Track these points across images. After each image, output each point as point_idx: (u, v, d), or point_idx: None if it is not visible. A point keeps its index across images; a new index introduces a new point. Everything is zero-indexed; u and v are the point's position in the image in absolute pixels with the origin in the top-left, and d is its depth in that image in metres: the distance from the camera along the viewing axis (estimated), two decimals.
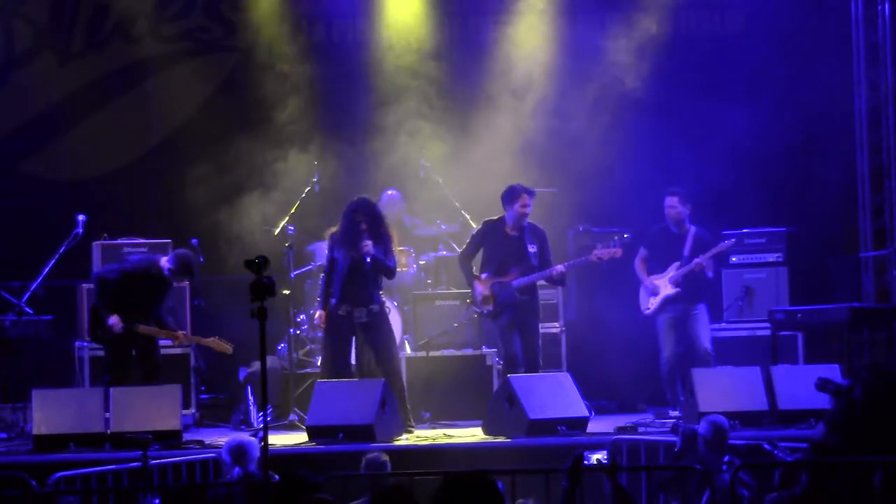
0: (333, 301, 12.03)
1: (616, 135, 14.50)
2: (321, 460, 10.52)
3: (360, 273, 11.95)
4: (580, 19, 15.12)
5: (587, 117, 14.55)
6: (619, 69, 14.71)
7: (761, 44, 14.81)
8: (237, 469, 9.07)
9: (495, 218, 12.48)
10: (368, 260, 11.87)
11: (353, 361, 12.20)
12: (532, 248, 12.35)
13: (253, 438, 9.37)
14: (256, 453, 9.12)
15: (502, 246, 12.37)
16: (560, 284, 12.89)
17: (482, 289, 12.36)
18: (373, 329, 11.98)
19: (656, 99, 14.61)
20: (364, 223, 11.95)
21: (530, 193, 12.35)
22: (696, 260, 12.69)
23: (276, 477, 8.00)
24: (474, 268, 12.53)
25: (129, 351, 11.91)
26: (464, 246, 12.72)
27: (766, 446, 9.04)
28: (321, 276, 12.47)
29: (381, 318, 12.06)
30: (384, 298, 12.30)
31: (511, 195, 12.35)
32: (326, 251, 12.34)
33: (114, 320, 11.75)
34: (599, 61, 14.78)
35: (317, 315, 12.29)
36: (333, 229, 12.20)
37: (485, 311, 12.42)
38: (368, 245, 11.86)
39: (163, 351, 13.16)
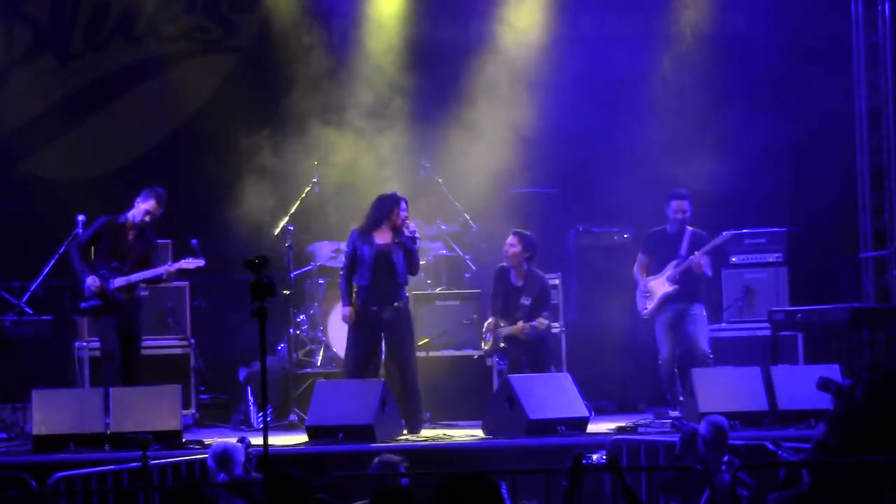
0: (359, 301, 12.02)
1: (616, 135, 14.50)
2: (321, 460, 10.52)
3: (386, 268, 11.97)
4: (583, 18, 15.11)
5: (588, 117, 14.54)
6: (620, 70, 14.71)
7: (762, 44, 14.80)
8: (222, 475, 9.06)
9: (502, 266, 12.76)
10: (417, 239, 12.02)
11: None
12: (526, 302, 12.53)
13: (238, 444, 9.33)
14: (241, 458, 9.10)
15: (506, 293, 12.69)
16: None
17: (488, 329, 12.74)
18: (396, 326, 11.99)
19: (657, 99, 14.60)
20: (406, 211, 12.06)
21: (518, 237, 12.61)
22: (692, 257, 12.66)
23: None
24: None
25: (112, 322, 11.93)
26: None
27: (770, 446, 9.05)
28: (341, 273, 12.39)
29: (406, 315, 12.07)
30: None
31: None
32: (346, 246, 12.29)
33: (90, 281, 11.80)
34: (602, 61, 14.78)
35: (345, 313, 12.23)
36: (357, 226, 12.20)
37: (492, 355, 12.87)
38: (413, 226, 11.98)
39: (163, 351, 13.22)
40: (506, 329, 12.53)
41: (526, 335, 12.40)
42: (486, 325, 12.74)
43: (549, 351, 12.74)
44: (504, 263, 12.70)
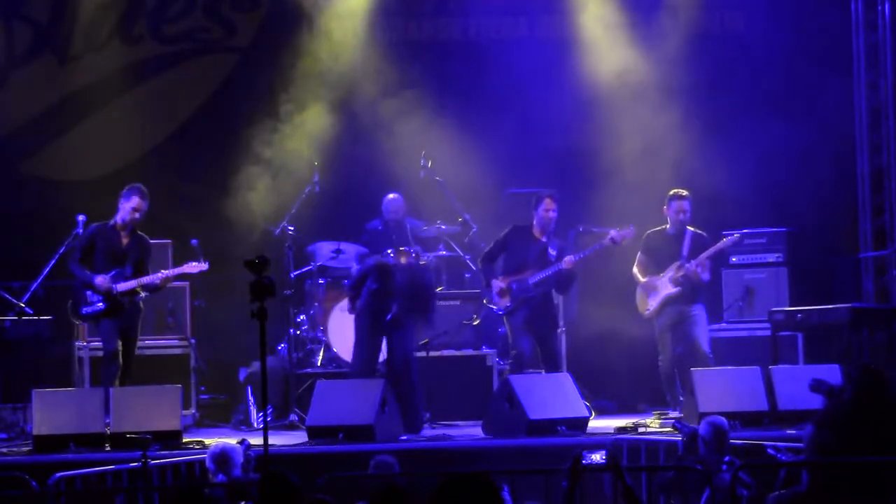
0: (362, 301, 12.06)
1: (616, 134, 14.50)
2: (321, 460, 10.52)
3: (392, 273, 12.04)
4: (585, 19, 15.08)
5: (589, 117, 14.55)
6: (620, 69, 14.72)
7: (762, 44, 14.81)
8: (220, 476, 9.06)
9: (523, 224, 12.66)
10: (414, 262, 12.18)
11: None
12: (553, 252, 12.45)
13: (237, 445, 9.34)
14: (240, 459, 9.11)
15: (526, 248, 12.55)
16: (568, 285, 12.87)
17: (499, 283, 12.45)
18: (398, 325, 12.02)
19: (657, 99, 14.60)
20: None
21: (553, 197, 12.56)
22: (689, 265, 12.64)
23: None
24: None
25: (115, 325, 11.91)
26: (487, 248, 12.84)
27: (769, 451, 9.05)
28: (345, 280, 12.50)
29: (410, 316, 12.10)
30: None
31: (535, 201, 12.65)
32: (361, 266, 12.40)
33: (99, 279, 11.81)
34: (601, 61, 14.79)
35: (347, 306, 12.27)
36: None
37: (501, 308, 12.47)
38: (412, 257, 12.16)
39: (163, 351, 13.23)
40: (538, 276, 12.42)
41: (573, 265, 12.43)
42: (495, 286, 12.51)
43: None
44: (525, 224, 12.65)
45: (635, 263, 12.96)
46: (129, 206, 11.97)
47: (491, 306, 12.68)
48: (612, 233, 12.47)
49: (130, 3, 15.16)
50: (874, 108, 14.55)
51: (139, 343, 12.24)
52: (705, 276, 12.75)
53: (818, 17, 14.70)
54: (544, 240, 12.59)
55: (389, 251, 12.33)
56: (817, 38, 14.70)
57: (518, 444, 11.08)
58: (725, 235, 13.22)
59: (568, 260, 12.42)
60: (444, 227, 14.04)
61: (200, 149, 14.77)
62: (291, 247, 13.39)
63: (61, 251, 12.31)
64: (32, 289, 12.58)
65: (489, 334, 13.48)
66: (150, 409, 11.24)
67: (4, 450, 11.39)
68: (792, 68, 14.78)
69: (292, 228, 13.51)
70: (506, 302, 12.47)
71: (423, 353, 12.80)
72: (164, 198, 13.64)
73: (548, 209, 12.55)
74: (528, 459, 10.51)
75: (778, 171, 14.53)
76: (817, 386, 8.61)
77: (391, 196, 13.30)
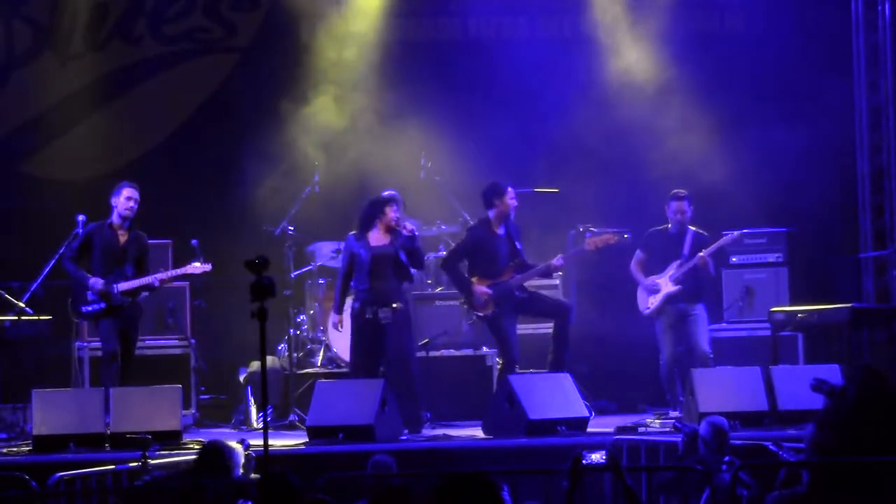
0: (356, 304, 12.02)
1: (616, 134, 14.50)
2: (321, 460, 10.52)
3: (384, 270, 11.97)
4: (584, 19, 15.10)
5: (588, 116, 14.54)
6: (621, 69, 14.72)
7: (762, 44, 14.82)
8: None
9: (479, 220, 12.53)
10: (417, 237, 12.03)
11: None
12: (519, 245, 12.42)
13: (238, 445, 9.33)
14: (240, 459, 9.10)
15: (494, 247, 12.41)
16: (549, 275, 12.93)
17: (485, 290, 12.36)
18: (395, 327, 11.97)
19: (657, 98, 14.60)
20: (397, 212, 12.07)
21: (513, 187, 12.43)
22: (700, 255, 12.65)
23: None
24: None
25: (114, 325, 11.90)
26: (449, 252, 12.77)
27: (771, 447, 9.06)
28: (338, 277, 12.38)
29: (404, 315, 12.06)
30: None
31: (496, 191, 12.40)
32: (343, 252, 12.27)
33: (93, 281, 11.81)
34: (601, 60, 14.79)
35: (334, 320, 12.17)
36: (353, 231, 12.19)
37: (487, 315, 12.42)
38: (409, 226, 11.98)
39: (163, 351, 13.23)
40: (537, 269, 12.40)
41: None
42: (476, 288, 12.35)
43: None
44: (482, 217, 12.52)
45: (633, 260, 12.96)
46: (121, 199, 11.94)
47: (476, 313, 12.56)
48: (591, 238, 12.42)
49: (130, 3, 15.17)
50: (874, 108, 14.56)
51: (139, 343, 12.25)
52: (711, 269, 12.78)
53: (818, 17, 14.71)
54: (502, 232, 12.46)
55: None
56: (817, 38, 14.70)
57: (518, 444, 11.07)
58: (726, 235, 13.22)
59: (556, 265, 12.38)
60: (444, 227, 14.04)
61: (200, 149, 14.76)
62: (291, 247, 13.40)
63: (61, 251, 12.30)
64: (32, 289, 12.56)
65: (488, 334, 13.46)
66: (150, 409, 11.24)
67: (4, 450, 11.39)
68: (792, 68, 14.77)
69: (292, 228, 13.52)
70: (490, 309, 12.41)
71: (423, 353, 12.80)
72: (165, 198, 13.66)
73: (513, 197, 12.41)
74: (528, 459, 10.52)
75: (778, 170, 14.53)
76: (819, 386, 8.63)
77: (387, 194, 13.29)
